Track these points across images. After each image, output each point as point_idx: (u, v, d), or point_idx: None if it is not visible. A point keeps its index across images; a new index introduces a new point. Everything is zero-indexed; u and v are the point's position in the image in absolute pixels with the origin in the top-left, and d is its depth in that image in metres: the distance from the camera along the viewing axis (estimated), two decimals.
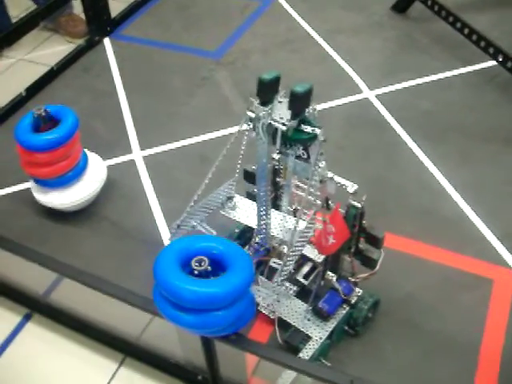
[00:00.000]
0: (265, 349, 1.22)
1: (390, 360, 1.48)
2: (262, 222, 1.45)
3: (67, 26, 2.74)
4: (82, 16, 2.69)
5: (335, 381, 1.13)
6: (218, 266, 1.15)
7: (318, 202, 1.33)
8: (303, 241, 1.29)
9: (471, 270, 1.67)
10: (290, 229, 1.42)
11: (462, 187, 1.89)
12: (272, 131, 1.24)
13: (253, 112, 1.22)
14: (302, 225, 1.27)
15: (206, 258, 1.10)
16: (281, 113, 1.21)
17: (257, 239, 1.52)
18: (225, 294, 1.08)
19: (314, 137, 1.20)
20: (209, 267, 1.10)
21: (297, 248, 1.27)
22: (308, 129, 1.20)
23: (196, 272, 1.09)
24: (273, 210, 1.47)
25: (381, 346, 1.50)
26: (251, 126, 1.26)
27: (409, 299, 1.60)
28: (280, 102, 1.21)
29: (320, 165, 1.25)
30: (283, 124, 1.20)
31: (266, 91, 1.20)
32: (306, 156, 1.25)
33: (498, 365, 1.45)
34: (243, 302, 1.15)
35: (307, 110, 1.21)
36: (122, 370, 1.50)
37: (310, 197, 1.28)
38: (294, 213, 1.54)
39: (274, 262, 1.39)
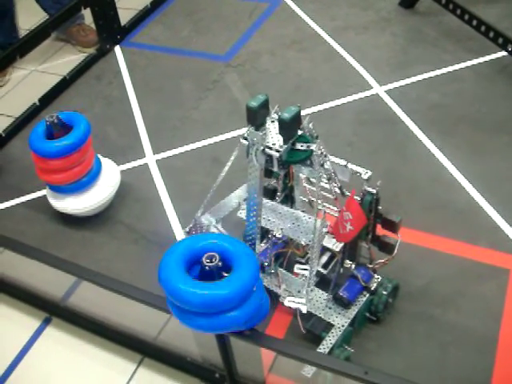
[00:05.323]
0: (279, 343, 1.23)
1: (407, 352, 1.48)
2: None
3: (78, 36, 2.78)
4: (93, 25, 2.73)
5: (350, 373, 1.13)
6: (224, 264, 1.14)
7: (331, 196, 1.34)
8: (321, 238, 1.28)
9: (487, 260, 1.66)
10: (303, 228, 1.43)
11: (474, 178, 1.88)
12: (266, 156, 1.25)
13: (246, 139, 1.24)
14: (317, 224, 1.27)
15: (216, 254, 1.10)
16: (274, 137, 1.22)
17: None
18: (231, 295, 1.07)
19: (311, 152, 1.22)
20: (220, 263, 1.10)
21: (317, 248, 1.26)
22: (303, 146, 1.21)
23: (207, 268, 1.09)
24: (286, 208, 1.48)
25: (398, 339, 1.50)
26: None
27: (424, 292, 1.59)
28: (273, 121, 1.23)
29: (325, 166, 1.26)
30: (276, 150, 1.21)
31: (256, 117, 1.22)
32: (309, 162, 1.26)
33: None
34: (253, 300, 1.14)
35: (301, 127, 1.22)
36: (140, 370, 1.52)
37: (322, 192, 1.29)
38: (310, 204, 1.55)
39: (298, 269, 1.38)
